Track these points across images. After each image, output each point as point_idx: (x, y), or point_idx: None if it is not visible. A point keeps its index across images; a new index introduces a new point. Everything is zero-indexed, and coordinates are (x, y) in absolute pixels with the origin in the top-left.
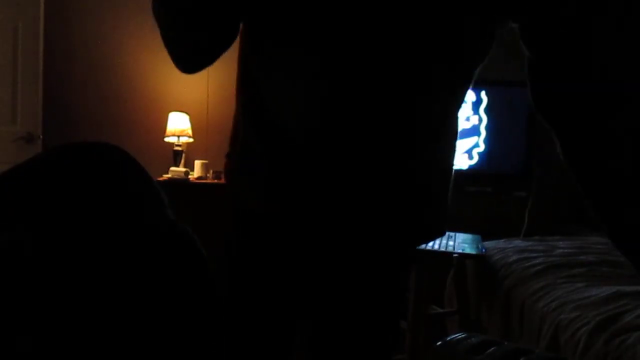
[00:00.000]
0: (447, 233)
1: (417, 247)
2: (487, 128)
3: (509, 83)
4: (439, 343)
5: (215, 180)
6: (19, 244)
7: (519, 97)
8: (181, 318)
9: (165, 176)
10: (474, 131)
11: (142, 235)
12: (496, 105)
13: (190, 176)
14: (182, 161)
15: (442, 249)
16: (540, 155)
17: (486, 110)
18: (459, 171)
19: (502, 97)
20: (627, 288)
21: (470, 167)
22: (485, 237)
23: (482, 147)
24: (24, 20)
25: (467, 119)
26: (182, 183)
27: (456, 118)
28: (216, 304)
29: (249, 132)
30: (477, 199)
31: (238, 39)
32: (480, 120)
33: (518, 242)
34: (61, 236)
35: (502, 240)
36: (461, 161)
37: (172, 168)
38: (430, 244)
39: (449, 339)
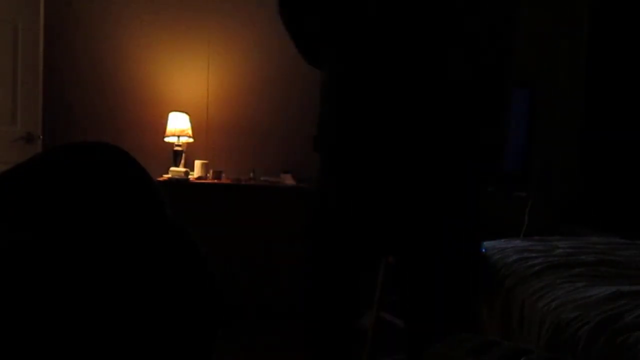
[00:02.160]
0: None
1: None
2: None
3: None
4: (439, 343)
5: (215, 180)
6: (20, 243)
7: (519, 98)
8: (179, 314)
9: (165, 176)
10: None
11: (141, 234)
12: None
13: (190, 176)
14: (182, 161)
15: None
16: (540, 155)
17: None
18: None
19: None
20: (627, 288)
21: None
22: (485, 237)
23: None
24: (24, 20)
25: None
26: (182, 183)
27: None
28: (216, 299)
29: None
30: None
31: None
32: None
33: (518, 242)
34: (61, 236)
35: (502, 240)
36: None
37: (172, 168)
38: None
39: (449, 339)
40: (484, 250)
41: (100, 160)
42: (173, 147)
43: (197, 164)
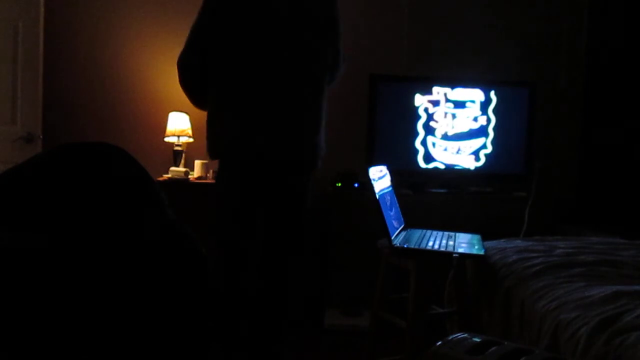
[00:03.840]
0: (447, 233)
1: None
2: (495, 129)
3: (508, 83)
4: (439, 343)
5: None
6: (20, 243)
7: (519, 97)
8: (179, 313)
9: (165, 176)
10: (481, 132)
11: (141, 234)
12: (496, 105)
13: (190, 176)
14: (182, 161)
15: (442, 249)
16: (540, 155)
17: (494, 111)
18: (462, 171)
19: (502, 97)
20: (627, 288)
21: (477, 169)
22: (485, 237)
23: (489, 149)
24: (24, 20)
25: (475, 119)
26: (182, 183)
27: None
28: (211, 298)
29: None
30: (477, 199)
31: None
32: (488, 121)
33: (518, 242)
34: (61, 235)
35: (502, 240)
36: (468, 162)
37: (172, 168)
38: (430, 243)
39: (449, 339)
40: (483, 250)
41: (101, 160)
42: (173, 147)
43: (197, 164)
